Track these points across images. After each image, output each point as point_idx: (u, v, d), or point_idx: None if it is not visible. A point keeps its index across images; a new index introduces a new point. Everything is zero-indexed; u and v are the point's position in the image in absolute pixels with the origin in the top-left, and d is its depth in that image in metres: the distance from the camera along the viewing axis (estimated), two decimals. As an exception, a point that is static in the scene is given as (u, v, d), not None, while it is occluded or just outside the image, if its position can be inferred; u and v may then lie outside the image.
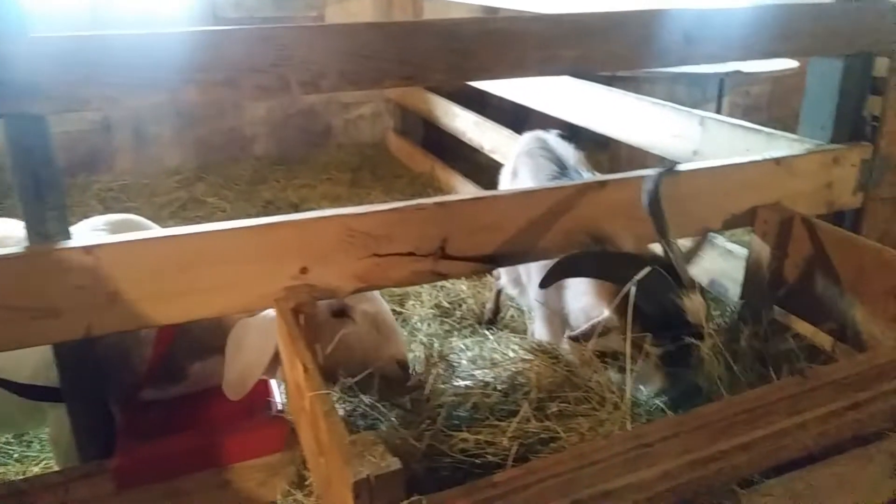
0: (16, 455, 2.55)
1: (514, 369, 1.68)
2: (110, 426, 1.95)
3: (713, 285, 2.93)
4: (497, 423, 1.48)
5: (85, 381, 1.83)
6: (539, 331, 2.51)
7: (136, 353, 1.98)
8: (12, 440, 2.63)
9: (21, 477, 2.43)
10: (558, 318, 2.30)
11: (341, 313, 1.91)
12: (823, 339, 2.08)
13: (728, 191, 2.15)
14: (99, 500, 1.79)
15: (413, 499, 1.13)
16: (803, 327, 2.20)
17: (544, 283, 1.81)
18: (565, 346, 1.82)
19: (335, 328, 1.86)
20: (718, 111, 4.45)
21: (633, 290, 1.58)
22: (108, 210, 5.12)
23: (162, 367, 2.00)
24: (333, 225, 1.72)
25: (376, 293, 1.95)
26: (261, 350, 1.73)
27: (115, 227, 2.10)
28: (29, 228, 1.62)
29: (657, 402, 1.61)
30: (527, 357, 1.70)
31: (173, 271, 1.66)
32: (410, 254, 1.81)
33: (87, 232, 2.06)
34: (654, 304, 1.65)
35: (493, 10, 4.73)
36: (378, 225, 1.74)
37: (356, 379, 1.63)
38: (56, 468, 2.15)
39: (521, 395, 1.58)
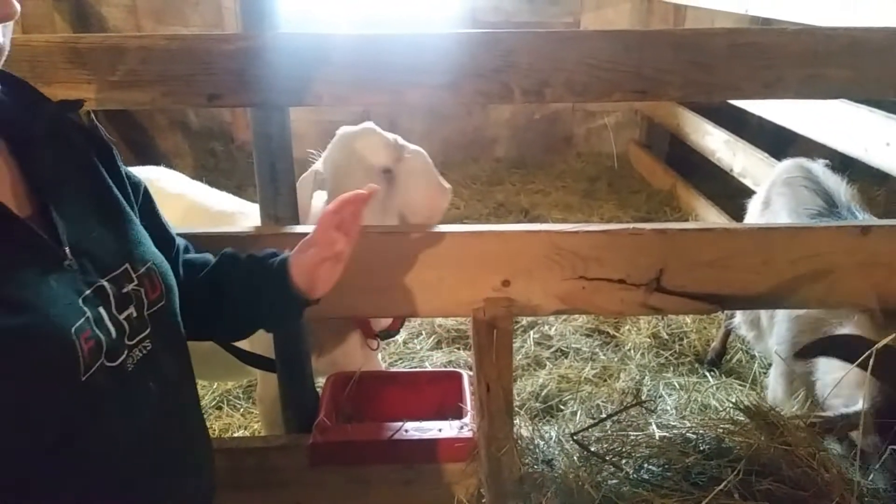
0: (241, 410, 2.82)
1: (722, 429, 1.47)
2: (314, 400, 2.05)
3: None
4: (691, 489, 1.30)
5: (295, 357, 1.95)
6: (774, 385, 2.21)
7: None
8: (241, 395, 2.92)
9: (241, 432, 2.69)
10: (800, 379, 2.00)
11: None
12: None
13: None
14: (292, 471, 1.90)
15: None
16: None
17: (802, 354, 1.56)
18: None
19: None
20: None
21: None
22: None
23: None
24: (540, 240, 1.63)
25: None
26: None
27: None
28: (262, 210, 1.75)
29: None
30: (739, 418, 1.48)
31: (381, 267, 1.69)
32: (621, 281, 1.66)
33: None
34: None
35: (766, 22, 4.30)
36: (588, 245, 1.63)
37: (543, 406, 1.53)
38: (262, 422, 2.33)
39: (725, 462, 1.37)
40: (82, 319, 0.95)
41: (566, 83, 1.54)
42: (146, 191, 1.29)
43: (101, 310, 1.00)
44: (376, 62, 1.56)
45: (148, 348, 1.07)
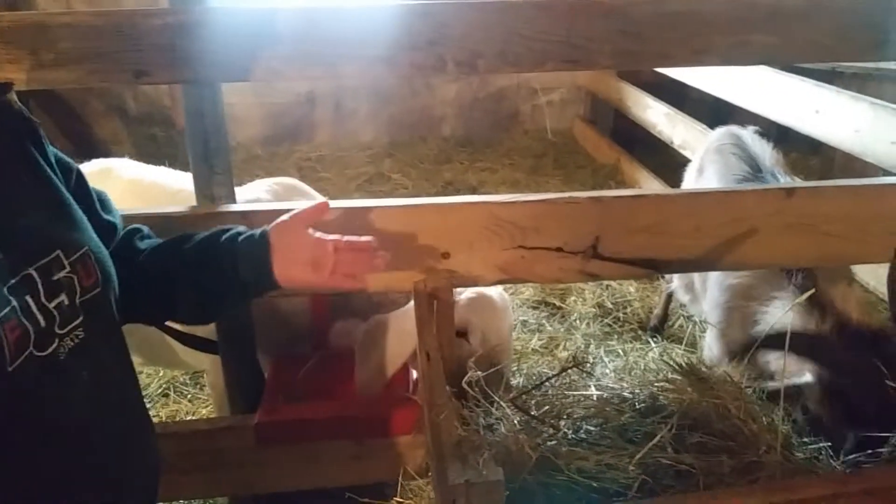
0: (189, 396, 2.79)
1: (657, 388, 1.52)
2: (259, 381, 2.04)
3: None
4: (626, 445, 1.35)
5: (239, 339, 1.94)
6: (710, 346, 2.29)
7: (294, 318, 2.07)
8: (188, 381, 2.88)
9: (189, 417, 2.66)
10: (738, 344, 2.07)
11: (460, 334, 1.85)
12: None
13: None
14: (239, 451, 1.90)
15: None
16: None
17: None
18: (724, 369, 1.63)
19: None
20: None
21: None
22: (304, 178, 5.49)
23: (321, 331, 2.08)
24: (479, 212, 1.65)
25: (506, 302, 1.88)
26: (395, 351, 1.74)
27: (281, 191, 2.20)
28: (197, 190, 1.72)
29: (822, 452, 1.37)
30: (673, 377, 1.53)
31: (321, 243, 1.68)
32: (559, 249, 1.70)
33: (256, 193, 2.17)
34: (868, 393, 1.44)
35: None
36: (526, 216, 1.65)
37: (485, 373, 1.55)
38: (215, 409, 2.31)
39: (659, 418, 1.42)
40: (7, 309, 0.93)
41: (499, 54, 1.55)
42: (79, 175, 1.24)
43: (29, 298, 0.97)
44: (310, 36, 1.54)
45: (80, 336, 1.05)
